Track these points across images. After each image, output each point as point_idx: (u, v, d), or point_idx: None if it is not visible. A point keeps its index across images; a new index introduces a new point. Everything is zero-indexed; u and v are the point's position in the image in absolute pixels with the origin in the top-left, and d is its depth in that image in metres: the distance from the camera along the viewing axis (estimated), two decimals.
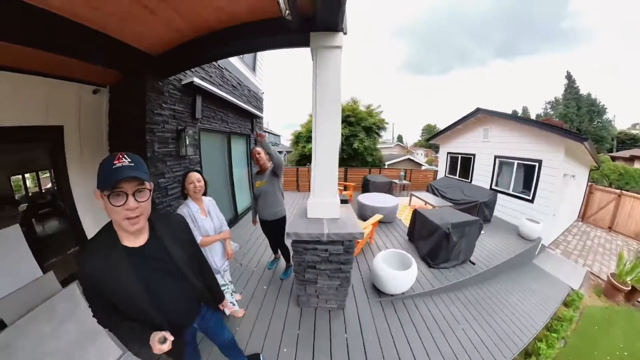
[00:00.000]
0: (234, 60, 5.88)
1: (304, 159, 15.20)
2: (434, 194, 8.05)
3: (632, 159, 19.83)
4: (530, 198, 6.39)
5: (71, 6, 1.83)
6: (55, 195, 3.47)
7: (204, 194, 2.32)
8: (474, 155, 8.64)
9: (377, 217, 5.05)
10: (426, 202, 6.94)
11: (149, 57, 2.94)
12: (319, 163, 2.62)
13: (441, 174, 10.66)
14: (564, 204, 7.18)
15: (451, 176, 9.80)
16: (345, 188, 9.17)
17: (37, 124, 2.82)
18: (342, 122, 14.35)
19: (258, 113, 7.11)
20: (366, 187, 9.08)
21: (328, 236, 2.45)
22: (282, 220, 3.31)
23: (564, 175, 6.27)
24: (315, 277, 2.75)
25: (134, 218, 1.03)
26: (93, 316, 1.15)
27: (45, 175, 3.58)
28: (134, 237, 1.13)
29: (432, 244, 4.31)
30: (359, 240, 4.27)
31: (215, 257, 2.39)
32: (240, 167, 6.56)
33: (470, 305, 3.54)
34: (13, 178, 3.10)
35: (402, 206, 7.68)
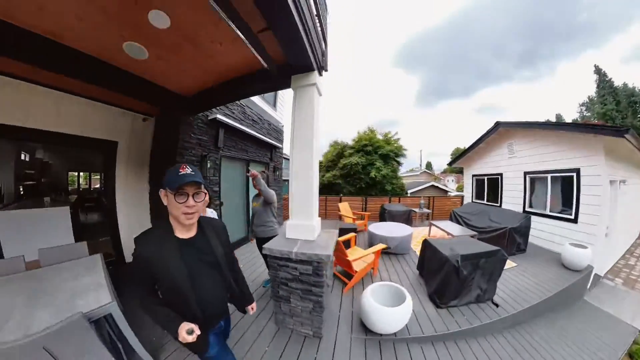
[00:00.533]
0: (255, 98, 6.66)
1: (325, 188, 15.11)
2: (457, 222, 7.05)
3: None
4: (572, 217, 5.22)
5: (136, 65, 2.91)
6: (100, 194, 4.61)
7: (207, 207, 2.72)
8: (500, 175, 7.60)
9: (380, 246, 4.40)
10: (448, 233, 6.01)
11: (183, 98, 3.95)
12: (295, 189, 2.90)
13: (468, 199, 9.52)
14: (619, 219, 5.81)
15: (479, 201, 8.69)
16: (362, 217, 8.50)
17: (101, 137, 4.03)
18: (359, 151, 14.65)
19: (277, 144, 7.91)
20: (382, 216, 8.53)
21: (296, 255, 2.55)
22: (272, 238, 3.32)
23: (611, 182, 5.14)
24: (288, 294, 2.77)
25: (190, 214, 1.25)
26: (135, 298, 1.31)
27: (95, 177, 5.14)
28: (186, 231, 1.34)
29: (441, 279, 3.55)
30: (356, 270, 3.84)
31: None
32: (256, 191, 6.80)
33: None
34: (70, 174, 4.43)
35: (422, 236, 6.79)
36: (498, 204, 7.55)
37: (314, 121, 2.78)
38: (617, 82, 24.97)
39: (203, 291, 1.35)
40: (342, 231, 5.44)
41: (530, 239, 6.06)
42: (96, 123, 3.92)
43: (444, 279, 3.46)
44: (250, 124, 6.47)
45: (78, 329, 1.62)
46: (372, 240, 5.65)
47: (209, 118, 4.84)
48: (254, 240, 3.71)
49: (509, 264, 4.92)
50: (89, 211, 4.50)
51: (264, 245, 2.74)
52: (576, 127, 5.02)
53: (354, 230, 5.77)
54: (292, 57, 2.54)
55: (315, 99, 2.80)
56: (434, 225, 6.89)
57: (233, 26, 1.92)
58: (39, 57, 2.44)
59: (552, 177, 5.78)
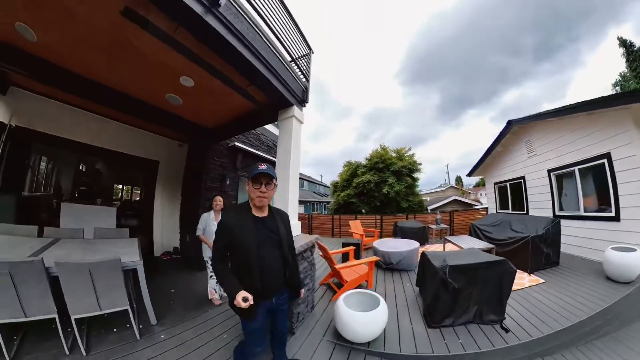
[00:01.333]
0: (269, 127, 7.74)
1: (341, 207, 15.04)
2: (477, 236, 6.03)
3: None
4: (613, 214, 4.13)
5: (175, 108, 4.15)
6: (140, 204, 5.83)
7: (222, 210, 3.51)
8: (523, 178, 6.58)
9: (372, 258, 4.13)
10: (460, 247, 5.12)
11: (208, 130, 5.08)
12: (275, 197, 3.25)
13: (493, 210, 8.36)
14: None
15: (503, 211, 7.56)
16: (373, 234, 7.86)
17: (147, 157, 5.50)
18: (371, 169, 14.37)
19: None
20: (395, 234, 7.90)
21: None
22: None
23: None
24: None
25: (261, 197, 1.61)
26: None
27: (136, 191, 6.18)
28: (260, 212, 1.69)
29: (432, 293, 2.98)
30: (347, 280, 3.69)
31: (207, 251, 3.40)
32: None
33: None
34: (116, 186, 5.82)
35: None
36: (524, 212, 6.45)
37: (291, 144, 3.48)
38: None
39: (265, 260, 1.61)
40: (345, 246, 5.43)
41: (564, 248, 4.92)
42: (145, 146, 5.33)
43: (435, 294, 2.89)
44: (265, 149, 7.56)
45: (113, 267, 2.38)
46: (376, 255, 5.05)
47: (229, 145, 6.04)
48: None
49: (535, 280, 4.00)
50: (129, 217, 5.27)
51: None
52: (593, 103, 4.14)
53: (357, 245, 5.70)
54: (273, 99, 3.43)
55: (294, 127, 3.54)
56: (449, 241, 5.95)
57: (230, 87, 3.26)
58: (112, 103, 3.83)
59: (579, 169, 4.77)
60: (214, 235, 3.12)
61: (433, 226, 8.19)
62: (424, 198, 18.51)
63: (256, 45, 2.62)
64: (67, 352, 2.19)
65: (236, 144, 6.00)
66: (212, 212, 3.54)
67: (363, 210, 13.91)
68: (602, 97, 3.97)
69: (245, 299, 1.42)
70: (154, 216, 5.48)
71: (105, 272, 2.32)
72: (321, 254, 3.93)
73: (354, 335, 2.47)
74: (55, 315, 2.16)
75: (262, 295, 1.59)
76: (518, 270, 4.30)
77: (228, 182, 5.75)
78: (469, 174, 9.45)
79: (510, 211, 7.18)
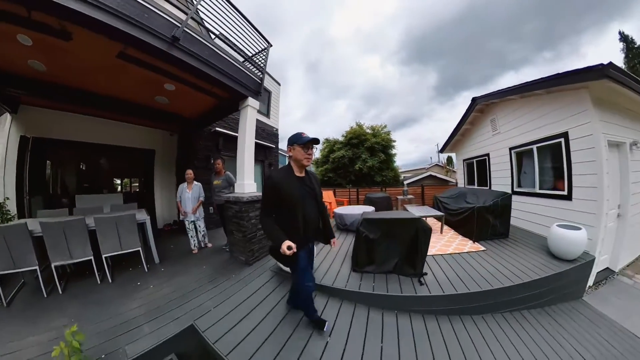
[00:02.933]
0: None
1: (321, 181, 15.13)
2: (438, 207, 6.01)
3: None
4: (565, 193, 4.07)
5: (164, 106, 4.82)
6: (142, 187, 6.63)
7: (195, 180, 4.48)
8: (487, 155, 6.46)
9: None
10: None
11: (192, 120, 5.73)
12: (238, 165, 4.19)
13: (461, 186, 8.36)
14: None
15: (471, 186, 7.52)
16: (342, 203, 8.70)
17: (144, 147, 6.23)
18: (346, 145, 14.64)
19: (270, 145, 9.28)
20: (365, 203, 8.19)
21: (231, 197, 3.83)
22: (225, 205, 4.11)
23: (617, 145, 4.01)
24: (232, 229, 3.93)
25: (309, 158, 1.89)
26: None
27: (135, 184, 6.96)
28: (300, 172, 1.96)
29: (354, 243, 3.40)
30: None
31: (187, 207, 4.31)
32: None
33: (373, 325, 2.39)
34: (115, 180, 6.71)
35: None
36: (487, 187, 6.42)
37: (246, 125, 4.11)
38: None
39: (307, 209, 1.92)
40: None
41: (519, 223, 4.98)
42: (141, 139, 6.04)
43: (355, 243, 3.32)
44: None
45: (130, 220, 3.44)
46: (335, 219, 5.88)
47: (212, 130, 6.63)
48: (216, 209, 4.60)
49: (476, 247, 4.04)
50: (134, 199, 5.61)
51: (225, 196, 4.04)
52: (548, 81, 3.90)
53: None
54: (232, 94, 4.08)
55: (249, 113, 4.13)
56: (405, 209, 6.22)
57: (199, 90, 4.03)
58: (111, 107, 4.49)
59: (537, 147, 4.63)
60: (188, 202, 4.29)
61: (399, 197, 8.58)
62: (406, 175, 18.76)
63: (212, 60, 3.31)
64: (99, 282, 3.17)
65: (217, 129, 6.64)
66: (185, 183, 4.36)
67: (343, 184, 14.20)
68: (559, 74, 3.71)
69: (289, 247, 1.66)
70: (155, 195, 6.41)
71: (125, 224, 3.39)
72: None
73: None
74: (92, 257, 3.15)
75: (304, 240, 1.92)
76: (463, 237, 4.62)
77: (212, 162, 5.99)
78: (441, 151, 9.31)
79: (475, 186, 7.15)
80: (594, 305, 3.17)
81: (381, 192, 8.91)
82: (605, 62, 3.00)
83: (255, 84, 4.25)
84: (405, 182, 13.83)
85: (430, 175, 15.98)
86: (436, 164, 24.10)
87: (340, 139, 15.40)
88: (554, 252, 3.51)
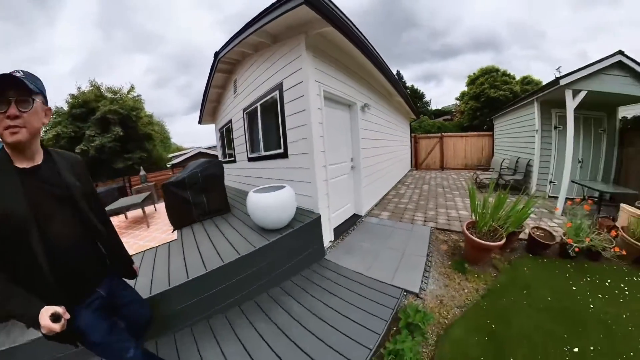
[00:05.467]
0: None
1: None
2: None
3: None
4: (282, 151, 3.52)
5: None
6: None
7: None
8: (230, 121, 5.52)
9: None
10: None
11: None
12: None
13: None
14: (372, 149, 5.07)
15: (226, 160, 6.48)
16: None
17: None
18: (68, 119, 9.51)
19: None
20: None
21: None
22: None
23: (343, 104, 3.95)
24: None
25: (11, 128, 0.86)
26: None
27: None
28: (24, 158, 0.95)
29: None
30: None
31: None
32: None
33: None
34: None
35: None
36: (233, 159, 5.51)
37: None
38: None
39: (57, 237, 0.96)
40: None
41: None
42: None
43: None
44: None
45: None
46: None
47: None
48: None
49: (168, 238, 2.86)
50: None
51: None
52: (263, 17, 3.13)
53: None
54: None
55: None
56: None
57: None
58: None
59: (261, 105, 3.95)
60: None
61: (138, 186, 6.26)
62: (178, 155, 15.49)
63: None
64: None
65: None
66: None
67: None
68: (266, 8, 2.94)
69: (56, 318, 0.86)
70: None
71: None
72: None
73: None
74: None
75: (75, 294, 1.01)
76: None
77: None
78: (199, 122, 7.77)
79: (228, 159, 6.15)
80: (335, 261, 2.92)
81: (114, 184, 6.66)
82: None
83: None
84: (170, 164, 11.26)
85: (200, 153, 13.28)
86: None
87: (65, 108, 9.90)
88: (260, 223, 2.69)
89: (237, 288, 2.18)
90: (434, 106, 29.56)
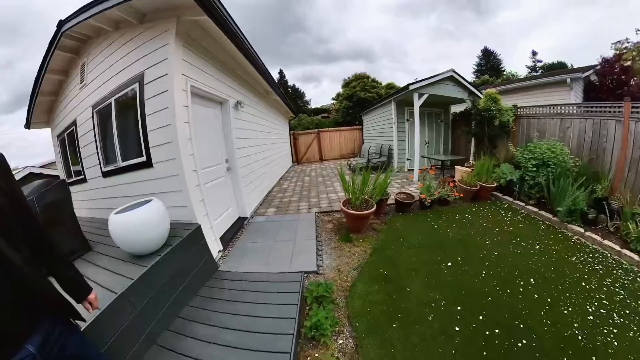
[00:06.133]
0: None
1: None
2: None
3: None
4: (145, 159, 2.92)
5: None
6: None
7: None
8: (75, 124, 4.20)
9: None
10: None
11: None
12: None
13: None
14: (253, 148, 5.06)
15: (72, 179, 4.89)
16: None
17: None
18: None
19: None
20: None
21: None
22: None
23: (214, 102, 3.72)
24: None
25: None
26: None
27: None
28: None
29: None
30: None
31: None
32: None
33: None
34: None
35: None
36: (82, 176, 4.25)
37: None
38: None
39: None
40: None
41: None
42: None
43: None
44: None
45: None
46: None
47: None
48: None
49: None
50: None
51: None
52: None
53: None
54: None
55: None
56: None
57: None
58: None
59: (116, 101, 3.18)
60: None
61: None
62: None
63: None
64: None
65: None
66: None
67: None
68: None
69: None
70: None
71: None
72: None
73: None
74: None
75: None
76: None
77: None
78: (27, 125, 5.58)
79: (74, 178, 4.68)
80: (230, 269, 2.78)
81: None
82: None
83: None
84: None
85: (31, 174, 8.57)
86: None
87: None
88: (129, 250, 2.16)
89: (128, 338, 1.65)
90: (313, 105, 32.09)
